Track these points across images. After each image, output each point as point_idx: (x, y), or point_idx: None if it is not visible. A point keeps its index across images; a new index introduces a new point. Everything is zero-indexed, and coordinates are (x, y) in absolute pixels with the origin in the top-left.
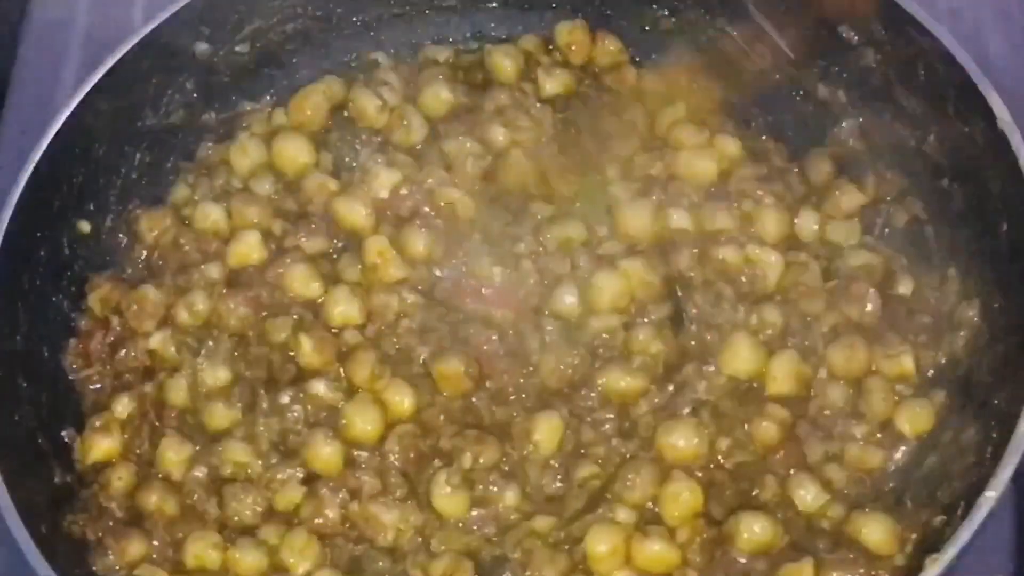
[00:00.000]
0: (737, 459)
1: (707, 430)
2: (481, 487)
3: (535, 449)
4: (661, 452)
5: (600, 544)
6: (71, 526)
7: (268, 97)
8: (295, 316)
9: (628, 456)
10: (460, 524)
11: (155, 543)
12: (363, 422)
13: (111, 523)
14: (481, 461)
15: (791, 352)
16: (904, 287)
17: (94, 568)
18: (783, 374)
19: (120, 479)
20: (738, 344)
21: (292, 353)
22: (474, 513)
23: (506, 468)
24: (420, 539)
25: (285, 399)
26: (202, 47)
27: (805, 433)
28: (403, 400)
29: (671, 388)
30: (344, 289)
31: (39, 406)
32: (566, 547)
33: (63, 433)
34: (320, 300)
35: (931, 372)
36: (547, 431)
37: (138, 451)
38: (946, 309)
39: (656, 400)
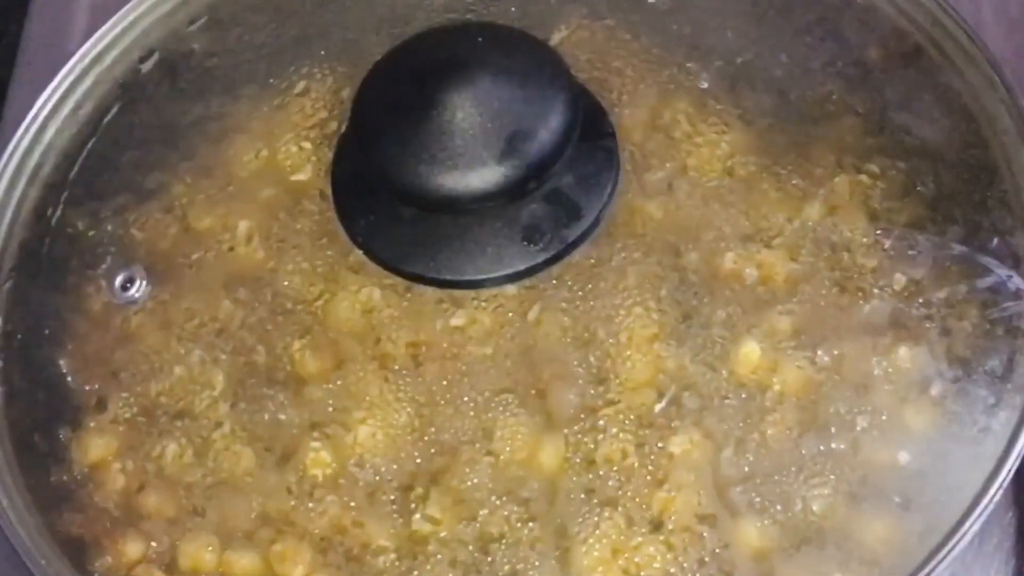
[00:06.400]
0: (743, 464)
1: (710, 437)
2: (469, 507)
3: (533, 472)
4: (661, 460)
5: (588, 551)
6: (68, 527)
7: (267, 95)
8: (294, 319)
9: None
10: (444, 535)
11: (153, 544)
12: (360, 435)
13: (108, 524)
14: (469, 483)
15: (798, 355)
16: (908, 283)
17: (91, 569)
18: (790, 378)
19: (117, 479)
20: (745, 350)
21: (289, 357)
22: (459, 527)
23: (497, 500)
24: (398, 557)
25: (281, 402)
26: (201, 42)
27: (811, 435)
28: (400, 415)
29: (673, 397)
30: (346, 293)
31: (35, 406)
32: (553, 552)
33: (60, 432)
34: (320, 303)
35: (935, 370)
36: (552, 457)
37: (135, 452)
38: (946, 307)
39: (657, 409)
